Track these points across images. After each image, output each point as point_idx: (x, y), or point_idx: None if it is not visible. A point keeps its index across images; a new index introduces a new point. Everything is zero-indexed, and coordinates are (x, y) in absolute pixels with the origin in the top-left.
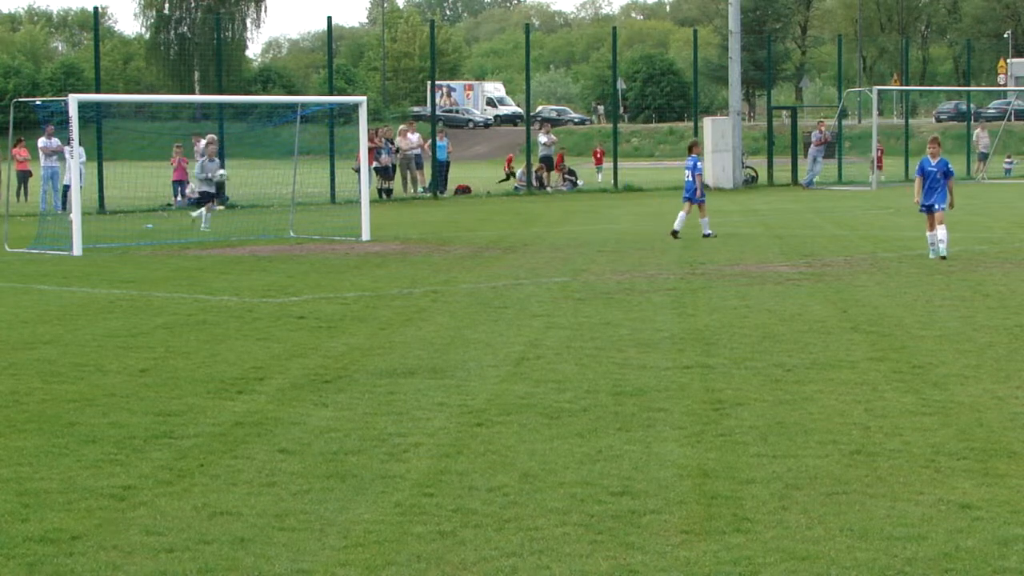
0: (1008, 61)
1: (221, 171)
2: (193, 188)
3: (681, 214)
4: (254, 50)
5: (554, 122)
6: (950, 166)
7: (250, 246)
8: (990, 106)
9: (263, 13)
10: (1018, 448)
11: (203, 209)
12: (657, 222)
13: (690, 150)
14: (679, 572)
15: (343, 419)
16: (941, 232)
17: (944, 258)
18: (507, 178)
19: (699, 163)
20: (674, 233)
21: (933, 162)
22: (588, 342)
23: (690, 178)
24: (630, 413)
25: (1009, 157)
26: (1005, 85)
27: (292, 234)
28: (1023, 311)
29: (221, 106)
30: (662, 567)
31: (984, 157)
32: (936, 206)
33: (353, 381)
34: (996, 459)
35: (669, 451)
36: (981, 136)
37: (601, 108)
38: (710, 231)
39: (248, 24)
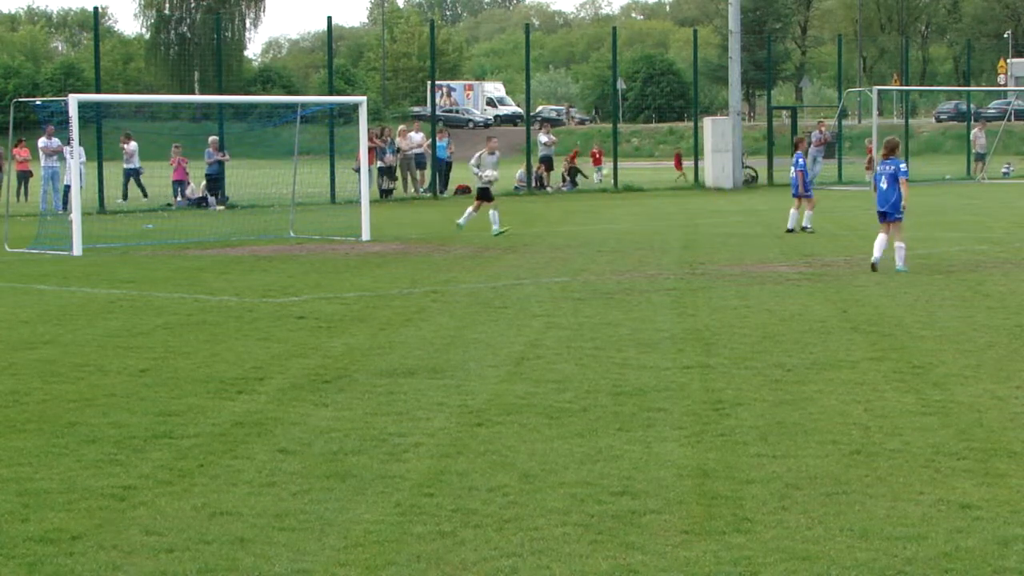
0: (1008, 61)
1: (494, 172)
2: (193, 189)
3: (792, 211)
4: (254, 50)
5: (554, 122)
6: (902, 167)
7: (250, 246)
8: (990, 106)
9: (262, 13)
10: (1018, 448)
11: (470, 209)
12: (657, 222)
13: (795, 147)
14: (679, 572)
15: (343, 419)
16: (896, 243)
17: (900, 271)
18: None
19: (802, 159)
20: (794, 231)
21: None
22: (588, 342)
23: (794, 174)
24: (630, 413)
25: (1008, 164)
26: (1005, 85)
27: (292, 234)
28: (1023, 311)
29: (221, 106)
30: (662, 567)
31: (981, 157)
32: (893, 215)
33: (353, 381)
34: (996, 459)
35: (669, 451)
36: (978, 136)
37: (574, 110)
38: (809, 225)
39: (248, 24)
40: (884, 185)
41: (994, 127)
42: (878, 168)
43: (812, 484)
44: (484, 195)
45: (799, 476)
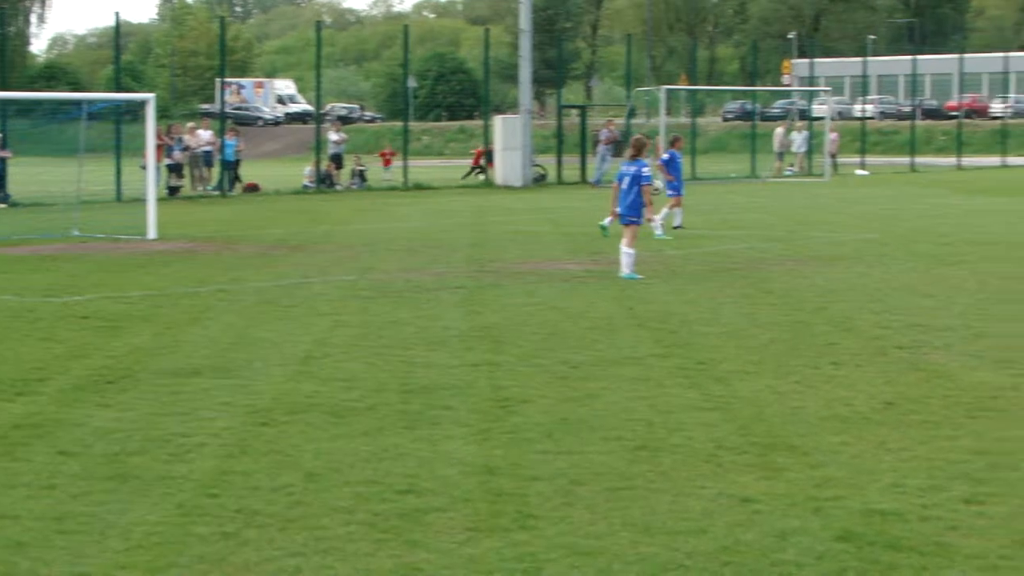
0: (792, 62)
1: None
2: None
3: (678, 209)
4: (39, 46)
5: (345, 120)
6: (644, 170)
7: (33, 245)
8: (775, 106)
9: (48, 8)
10: (797, 442)
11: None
12: (447, 220)
13: (672, 144)
14: (463, 570)
15: (126, 420)
16: (623, 248)
17: (625, 278)
18: (472, 172)
19: (678, 157)
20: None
21: (626, 164)
22: (376, 340)
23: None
24: (417, 411)
25: (791, 165)
26: (790, 85)
27: (77, 232)
28: (803, 308)
29: (4, 102)
30: (446, 565)
31: (780, 156)
32: (627, 217)
33: (137, 381)
34: (775, 453)
35: (455, 449)
36: (780, 134)
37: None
38: (679, 222)
39: (33, 20)
40: (624, 186)
41: (773, 126)
42: (621, 168)
43: (596, 480)
44: None
45: (584, 472)
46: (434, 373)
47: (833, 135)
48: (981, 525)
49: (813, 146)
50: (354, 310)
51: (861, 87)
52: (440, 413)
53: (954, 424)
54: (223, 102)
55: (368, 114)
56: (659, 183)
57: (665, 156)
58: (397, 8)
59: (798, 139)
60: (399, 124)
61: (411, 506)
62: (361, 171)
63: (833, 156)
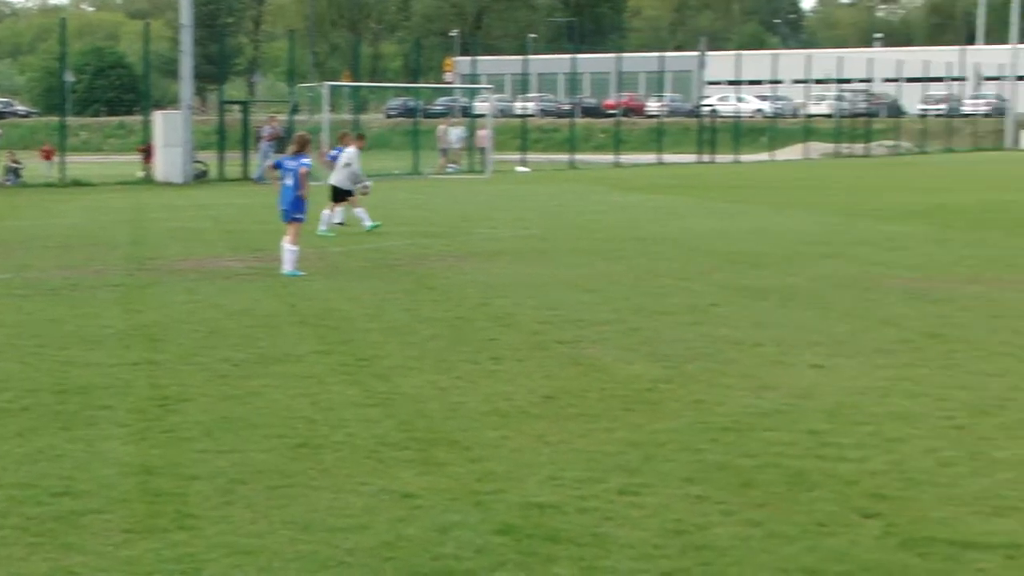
0: (455, 59)
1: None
2: None
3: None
4: None
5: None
6: (305, 160)
7: None
8: (437, 103)
9: None
10: (458, 437)
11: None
12: (106, 217)
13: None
14: (120, 572)
15: None
16: (285, 244)
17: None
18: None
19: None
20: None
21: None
22: (30, 340)
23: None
24: (73, 411)
25: (452, 163)
26: (452, 83)
27: None
28: (464, 304)
29: None
30: (102, 567)
31: (445, 152)
32: (290, 214)
33: None
34: (436, 448)
35: (112, 449)
36: (446, 132)
37: None
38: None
39: None
40: (289, 182)
41: (434, 123)
42: (284, 163)
43: (257, 478)
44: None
45: (244, 471)
46: (91, 372)
47: (483, 131)
48: (635, 515)
49: (471, 143)
50: (8, 309)
51: (522, 85)
52: (97, 413)
53: (611, 417)
54: None
55: (22, 108)
56: (369, 182)
57: (333, 152)
58: (54, 1)
59: (453, 135)
60: (56, 119)
61: (67, 508)
62: (16, 167)
63: (485, 152)
